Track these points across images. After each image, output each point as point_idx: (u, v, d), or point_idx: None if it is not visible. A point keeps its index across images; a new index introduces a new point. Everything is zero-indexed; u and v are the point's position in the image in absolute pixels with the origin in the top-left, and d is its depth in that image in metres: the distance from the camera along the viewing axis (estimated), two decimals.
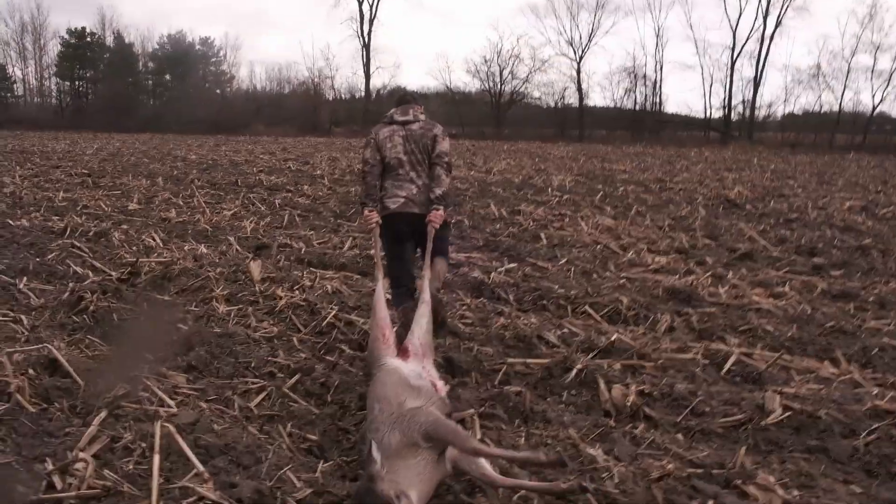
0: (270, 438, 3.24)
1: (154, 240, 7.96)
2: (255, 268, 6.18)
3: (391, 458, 2.58)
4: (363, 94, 55.07)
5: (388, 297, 4.33)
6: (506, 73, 52.25)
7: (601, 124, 51.59)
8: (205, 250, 7.35)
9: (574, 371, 4.01)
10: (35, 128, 45.03)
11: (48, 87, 58.67)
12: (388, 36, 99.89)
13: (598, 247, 8.07)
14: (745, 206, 12.01)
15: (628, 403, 3.65)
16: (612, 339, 4.50)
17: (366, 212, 4.31)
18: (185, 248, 7.45)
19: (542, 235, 8.65)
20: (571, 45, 51.47)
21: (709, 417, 3.56)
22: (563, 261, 7.31)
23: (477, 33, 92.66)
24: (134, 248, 7.54)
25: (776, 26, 44.24)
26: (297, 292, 5.65)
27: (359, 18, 52.29)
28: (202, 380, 3.87)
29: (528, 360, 4.22)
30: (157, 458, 2.71)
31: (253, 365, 4.08)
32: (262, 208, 11.06)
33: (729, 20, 60.29)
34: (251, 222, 9.58)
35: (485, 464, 2.76)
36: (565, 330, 4.87)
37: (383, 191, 4.30)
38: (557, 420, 3.49)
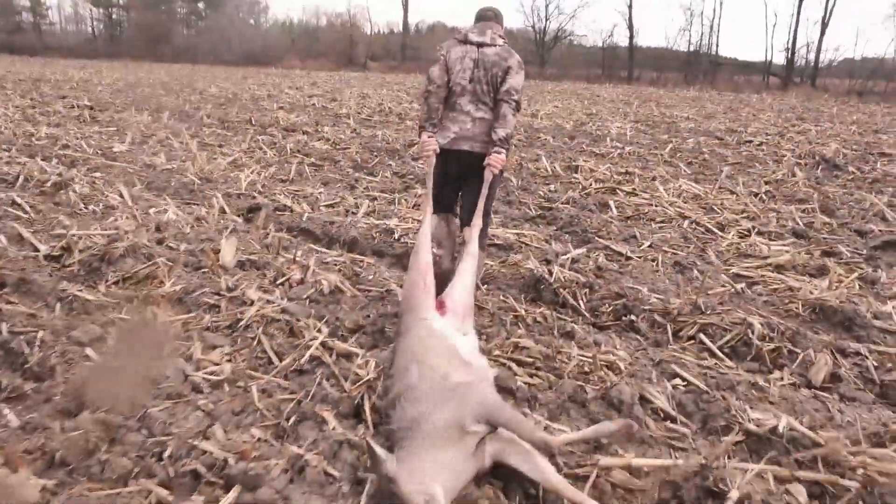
0: None
1: (121, 196, 6.34)
2: (228, 249, 4.52)
3: (424, 443, 2.21)
4: (401, 28, 52.45)
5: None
6: (551, 7, 48.96)
7: (651, 65, 48.36)
8: (175, 214, 5.68)
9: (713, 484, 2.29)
10: (70, 55, 44.18)
11: (81, 15, 57.27)
12: None
13: (686, 222, 6.21)
14: (848, 168, 9.88)
15: None
16: (778, 424, 2.68)
17: (424, 136, 3.77)
18: (152, 211, 5.80)
19: (611, 204, 6.80)
20: None
21: None
22: (646, 244, 5.50)
23: None
24: (90, 207, 5.93)
25: None
26: (277, 293, 3.97)
27: None
28: (57, 494, 2.22)
29: (641, 462, 2.48)
30: None
31: (163, 460, 2.41)
32: (270, 154, 9.33)
33: None
34: (251, 172, 7.89)
35: (546, 466, 2.31)
36: (679, 386, 3.11)
37: (441, 121, 3.81)
38: None
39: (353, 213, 6.25)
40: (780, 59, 45.07)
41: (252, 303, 3.75)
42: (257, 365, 3.19)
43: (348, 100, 19.18)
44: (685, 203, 6.95)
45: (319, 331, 3.39)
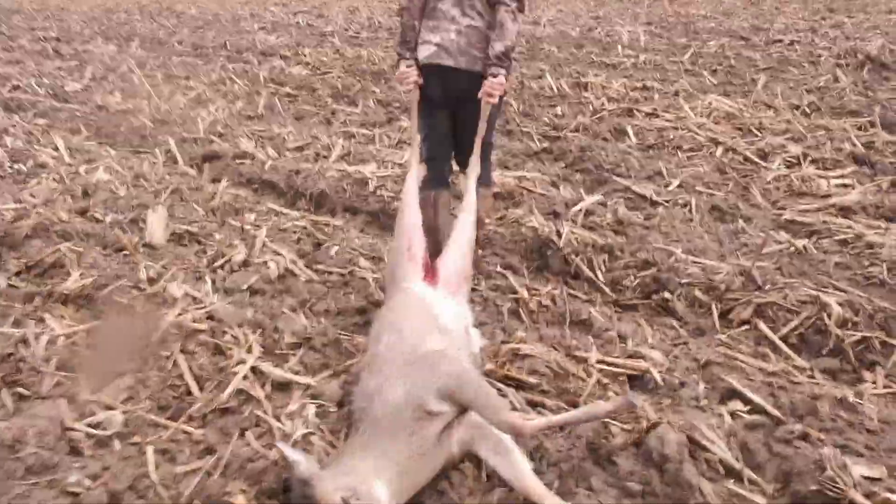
0: None
1: (56, 150, 5.42)
2: (157, 223, 3.63)
3: (374, 426, 1.84)
4: None
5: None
6: None
7: None
8: (110, 173, 4.76)
9: None
10: None
11: None
12: None
13: (721, 150, 5.21)
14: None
15: None
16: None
17: (402, 66, 3.07)
18: (83, 169, 4.88)
19: (629, 129, 5.77)
20: None
21: None
22: (675, 183, 4.54)
23: None
24: (16, 167, 5.02)
25: None
26: (208, 285, 3.11)
27: None
28: None
29: None
30: None
31: None
32: (240, 85, 8.24)
33: None
34: (215, 109, 6.89)
35: (522, 463, 1.92)
36: (740, 412, 2.26)
37: (419, 35, 3.03)
38: None
39: (324, 157, 5.30)
40: None
41: (174, 302, 2.89)
42: (169, 401, 2.37)
43: (336, 15, 17.68)
44: (716, 124, 5.90)
45: (251, 349, 2.54)
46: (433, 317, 2.34)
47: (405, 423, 1.84)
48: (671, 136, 5.57)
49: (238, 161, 5.27)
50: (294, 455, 1.75)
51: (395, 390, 1.90)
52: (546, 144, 5.56)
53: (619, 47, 10.76)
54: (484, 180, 3.13)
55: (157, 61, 10.33)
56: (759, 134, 5.62)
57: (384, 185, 4.51)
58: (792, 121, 5.94)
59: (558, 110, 6.61)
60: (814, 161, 4.91)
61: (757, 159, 4.99)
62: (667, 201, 4.27)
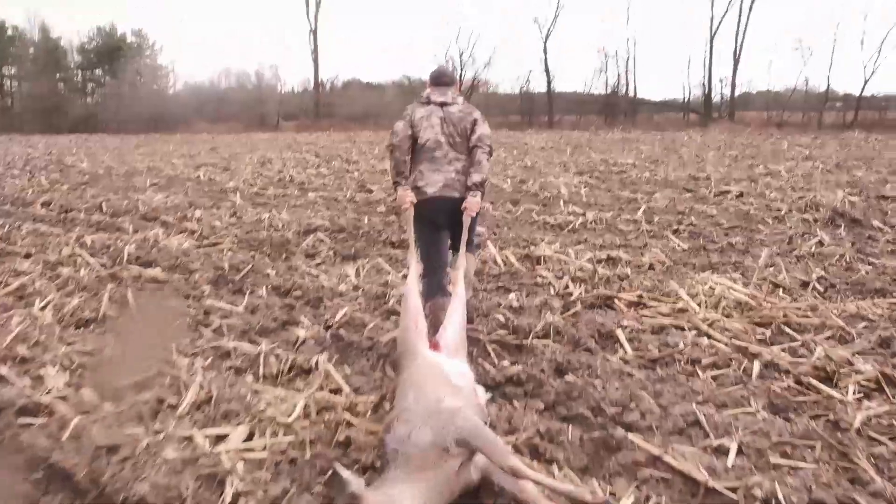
0: None
1: None
2: None
3: (407, 462, 2.38)
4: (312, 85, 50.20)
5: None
6: (465, 55, 47.81)
7: (570, 109, 47.61)
8: None
9: None
10: None
11: None
12: (338, 20, 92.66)
13: (757, 366, 3.62)
14: (873, 223, 7.73)
15: None
16: None
17: (399, 191, 3.97)
18: None
19: (620, 334, 4.16)
20: (536, 22, 47.32)
21: None
22: (733, 449, 2.85)
23: (434, 16, 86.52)
24: None
25: None
26: None
27: (305, 2, 47.44)
28: None
29: None
30: None
31: None
32: (89, 269, 6.29)
33: None
34: (28, 316, 4.87)
35: (528, 484, 2.43)
36: None
37: (418, 174, 3.97)
38: None
39: (170, 406, 3.36)
40: (696, 94, 44.64)
41: None
42: None
43: (244, 167, 16.25)
44: (727, 317, 4.39)
45: None
46: (446, 377, 2.87)
47: (431, 459, 2.37)
48: (679, 344, 3.97)
49: (23, 420, 3.27)
50: (346, 474, 2.24)
51: (423, 435, 2.43)
52: (507, 364, 3.84)
53: (561, 203, 9.58)
54: (470, 250, 4.04)
55: (3, 230, 8.31)
56: (791, 332, 4.12)
57: (252, 489, 2.60)
58: (819, 308, 4.50)
59: (512, 299, 4.99)
60: (889, 378, 3.37)
61: (819, 384, 3.40)
62: (732, 489, 2.54)
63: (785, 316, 4.28)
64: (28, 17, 52.80)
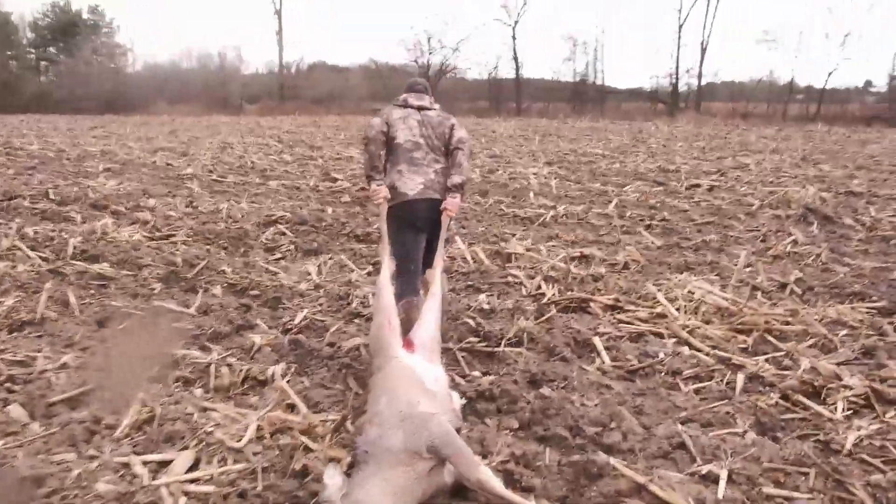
0: None
1: None
2: None
3: (379, 463, 2.39)
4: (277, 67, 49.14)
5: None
6: (433, 41, 47.26)
7: (538, 96, 47.46)
8: None
9: None
10: None
11: None
12: (303, 1, 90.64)
13: (741, 379, 3.44)
14: (844, 221, 7.67)
15: None
16: None
17: (373, 185, 3.91)
18: None
19: (597, 342, 3.94)
20: (505, 8, 47.02)
21: None
22: (723, 479, 2.64)
23: None
24: None
25: None
26: None
27: None
28: None
29: None
30: None
31: None
32: (30, 264, 5.85)
33: None
34: None
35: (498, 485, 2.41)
36: None
37: (396, 174, 3.90)
38: None
39: (107, 429, 3.04)
40: (663, 84, 44.87)
41: None
42: None
43: (203, 152, 15.67)
44: (707, 324, 4.21)
45: None
46: (420, 381, 2.83)
47: (401, 461, 2.37)
48: (659, 354, 3.77)
49: None
50: (329, 477, 2.35)
51: (394, 438, 2.43)
52: (478, 374, 3.60)
53: (531, 195, 9.35)
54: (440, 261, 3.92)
55: None
56: (773, 341, 3.95)
57: None
58: (800, 313, 4.35)
59: (483, 301, 4.74)
60: (878, 393, 3.21)
61: (806, 400, 3.23)
62: None
63: (766, 322, 4.11)
64: None
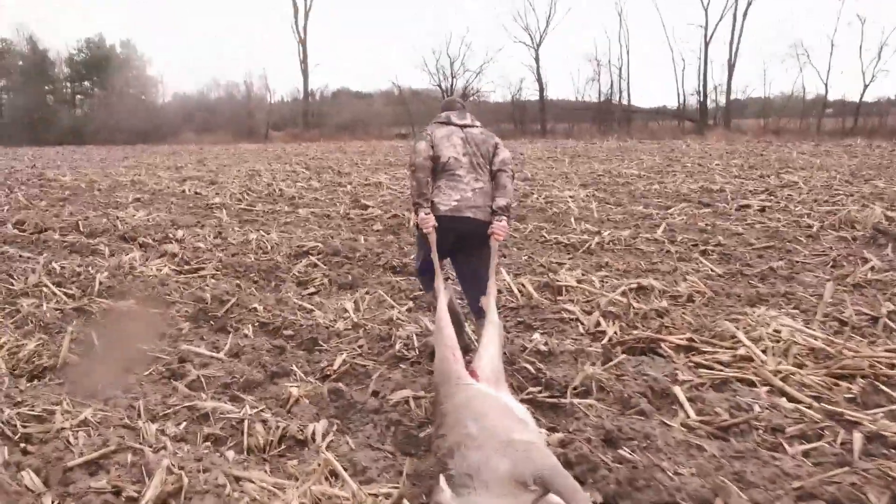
0: None
1: None
2: None
3: (485, 489, 2.24)
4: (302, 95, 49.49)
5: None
6: (457, 65, 47.26)
7: (562, 117, 47.10)
8: None
9: None
10: None
11: None
12: (326, 30, 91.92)
13: (859, 441, 2.95)
14: None
15: None
16: None
17: (421, 214, 3.81)
18: None
19: (678, 392, 3.48)
20: (528, 30, 46.90)
21: None
22: None
23: (424, 23, 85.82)
24: None
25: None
26: None
27: (293, 11, 46.71)
28: None
29: None
30: None
31: None
32: (55, 302, 5.55)
33: None
34: None
35: None
36: None
37: (437, 190, 3.85)
38: None
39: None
40: (690, 102, 44.16)
41: None
42: None
43: (231, 181, 15.50)
44: (803, 369, 3.71)
45: None
46: (509, 408, 2.73)
47: (508, 489, 2.22)
48: (753, 407, 3.28)
49: None
50: (445, 485, 2.27)
51: (501, 464, 2.29)
52: (545, 433, 3.14)
53: (572, 219, 8.90)
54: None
55: None
56: (887, 390, 3.43)
57: None
58: None
59: (539, 341, 4.29)
60: None
61: None
62: None
63: (871, 367, 3.60)
64: (16, 28, 51.73)
